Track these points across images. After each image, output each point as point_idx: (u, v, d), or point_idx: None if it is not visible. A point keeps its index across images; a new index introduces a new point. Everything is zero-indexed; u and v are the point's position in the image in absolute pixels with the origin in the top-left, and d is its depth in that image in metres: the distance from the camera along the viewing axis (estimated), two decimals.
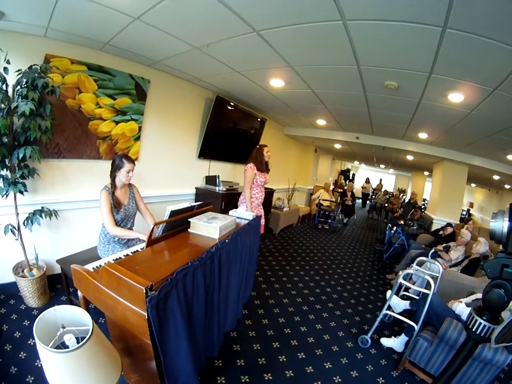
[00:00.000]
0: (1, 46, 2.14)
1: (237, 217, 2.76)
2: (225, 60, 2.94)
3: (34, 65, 2.29)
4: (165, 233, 2.11)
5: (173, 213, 2.13)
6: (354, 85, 3.03)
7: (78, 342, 1.10)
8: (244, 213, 2.89)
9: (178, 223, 2.22)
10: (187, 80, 3.98)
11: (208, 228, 2.22)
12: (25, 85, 2.20)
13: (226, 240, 2.12)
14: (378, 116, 4.22)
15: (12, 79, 2.22)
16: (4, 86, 2.17)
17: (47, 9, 2.09)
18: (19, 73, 2.23)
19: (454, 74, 2.30)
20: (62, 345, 1.14)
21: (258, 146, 3.85)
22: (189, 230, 2.31)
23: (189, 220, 2.29)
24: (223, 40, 2.41)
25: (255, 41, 2.31)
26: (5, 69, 2.16)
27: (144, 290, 1.28)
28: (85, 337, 1.09)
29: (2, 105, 2.12)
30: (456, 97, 2.74)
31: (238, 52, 2.67)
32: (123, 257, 2.05)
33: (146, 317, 1.30)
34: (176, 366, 1.55)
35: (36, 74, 2.22)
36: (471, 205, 11.31)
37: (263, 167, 3.74)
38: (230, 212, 2.89)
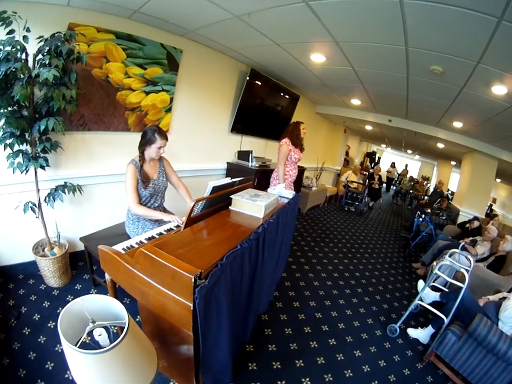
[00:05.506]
0: (21, 15, 1.93)
1: (278, 195, 2.61)
2: (266, 31, 2.74)
3: (57, 32, 2.09)
4: (203, 211, 1.96)
5: (215, 189, 1.97)
6: (398, 67, 2.88)
7: (109, 336, 1.03)
8: (284, 190, 2.76)
9: (218, 200, 2.08)
10: (220, 52, 3.78)
11: (253, 206, 2.08)
12: (48, 53, 2.02)
13: (271, 220, 1.98)
14: (416, 100, 4.07)
15: (32, 48, 2.03)
16: (24, 55, 1.99)
17: None
18: (40, 40, 2.05)
19: (502, 66, 2.26)
20: (91, 341, 1.06)
21: (295, 122, 3.73)
22: (230, 207, 2.17)
23: (230, 196, 2.14)
24: (268, 9, 2.21)
25: (302, 12, 2.12)
26: (25, 38, 1.97)
27: (193, 279, 1.16)
28: (116, 331, 1.01)
29: (22, 75, 1.94)
30: (499, 90, 2.70)
31: (281, 23, 2.48)
32: (157, 237, 1.92)
33: (192, 308, 1.19)
34: (212, 354, 1.47)
35: (59, 43, 2.03)
36: (494, 200, 10.96)
37: (298, 144, 3.63)
38: (269, 190, 2.76)
